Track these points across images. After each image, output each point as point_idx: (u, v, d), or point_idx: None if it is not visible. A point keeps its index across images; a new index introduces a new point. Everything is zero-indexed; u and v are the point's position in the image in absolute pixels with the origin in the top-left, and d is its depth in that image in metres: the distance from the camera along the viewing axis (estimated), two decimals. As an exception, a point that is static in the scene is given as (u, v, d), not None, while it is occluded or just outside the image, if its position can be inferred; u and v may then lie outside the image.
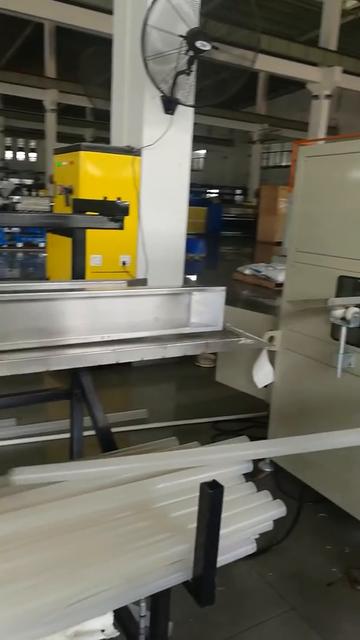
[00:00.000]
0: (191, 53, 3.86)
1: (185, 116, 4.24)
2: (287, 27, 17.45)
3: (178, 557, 1.25)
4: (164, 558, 1.23)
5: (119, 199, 1.64)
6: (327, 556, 2.21)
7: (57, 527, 1.23)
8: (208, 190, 24.86)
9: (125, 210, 1.62)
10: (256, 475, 2.66)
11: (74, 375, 1.91)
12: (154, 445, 1.70)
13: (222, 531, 1.21)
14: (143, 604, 1.48)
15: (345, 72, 13.82)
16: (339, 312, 2.17)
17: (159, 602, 1.38)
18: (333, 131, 21.06)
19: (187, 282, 4.93)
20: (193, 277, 9.67)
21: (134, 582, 1.17)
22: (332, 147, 2.61)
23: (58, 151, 4.62)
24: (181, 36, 3.82)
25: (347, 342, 2.20)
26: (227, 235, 19.16)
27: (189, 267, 4.75)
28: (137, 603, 1.40)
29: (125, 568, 1.18)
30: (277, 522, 1.49)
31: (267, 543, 2.19)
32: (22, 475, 1.15)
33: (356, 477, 2.21)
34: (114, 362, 1.46)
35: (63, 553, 1.16)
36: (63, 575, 1.11)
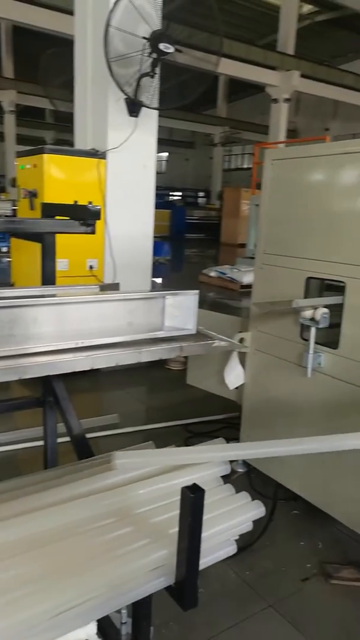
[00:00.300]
0: (155, 55, 3.86)
1: (150, 118, 4.24)
2: (246, 31, 17.72)
3: (160, 562, 1.25)
4: (146, 564, 1.23)
5: (90, 203, 1.62)
6: (301, 552, 2.25)
7: (38, 538, 1.21)
8: (171, 193, 24.90)
9: (96, 215, 1.61)
10: (230, 476, 2.67)
11: (46, 382, 1.87)
12: (130, 450, 1.69)
13: (203, 534, 1.22)
14: (124, 611, 1.47)
15: (303, 76, 14.11)
16: (308, 313, 2.22)
17: (141, 608, 1.37)
18: (292, 134, 21.51)
19: (153, 285, 4.92)
20: (159, 280, 9.67)
21: (117, 590, 1.16)
22: (298, 150, 2.66)
23: (21, 154, 4.54)
24: (144, 38, 3.82)
25: (316, 342, 2.25)
26: (191, 238, 19.26)
27: (155, 270, 4.74)
28: (118, 610, 1.39)
29: (108, 576, 1.17)
30: (254, 521, 1.51)
31: (244, 542, 2.21)
32: (122, 459, 1.20)
33: (327, 475, 2.26)
34: (88, 368, 1.44)
35: (46, 564, 1.14)
36: (46, 587, 1.09)
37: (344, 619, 1.92)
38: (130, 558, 1.23)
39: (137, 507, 1.37)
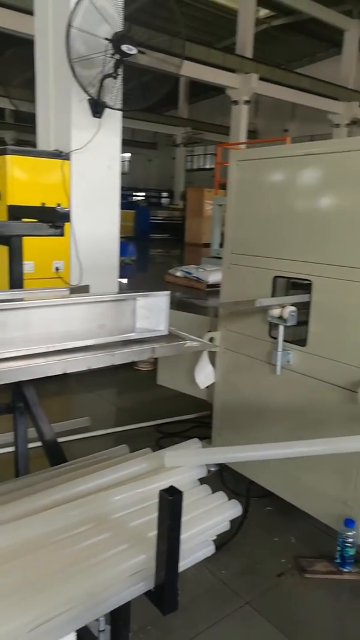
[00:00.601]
0: (117, 57, 3.84)
1: (114, 119, 4.21)
2: (205, 34, 17.87)
3: (139, 567, 1.23)
4: (125, 570, 1.22)
5: (58, 205, 1.59)
6: (276, 548, 2.27)
7: (13, 549, 1.18)
8: (134, 194, 24.82)
9: (66, 217, 1.58)
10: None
11: (15, 388, 1.83)
12: (104, 455, 1.67)
13: (182, 536, 1.22)
14: (102, 619, 1.45)
15: (261, 79, 14.33)
16: (276, 312, 2.25)
17: (119, 615, 1.36)
18: (253, 135, 21.80)
19: (120, 287, 4.89)
20: (124, 281, 9.61)
21: (96, 599, 1.14)
22: (262, 151, 2.70)
23: (-19, 155, 4.41)
24: (107, 39, 3.79)
25: (285, 340, 2.29)
26: (155, 238, 19.25)
27: (121, 271, 4.71)
28: (97, 618, 1.37)
29: (86, 585, 1.15)
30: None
31: (219, 541, 2.21)
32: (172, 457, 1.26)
33: (297, 470, 2.30)
34: (61, 372, 1.42)
35: (22, 576, 1.11)
36: (23, 599, 1.06)
37: (319, 612, 1.95)
38: (108, 565, 1.21)
39: (114, 512, 1.35)
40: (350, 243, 2.04)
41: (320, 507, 2.23)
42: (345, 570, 2.08)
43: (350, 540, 2.06)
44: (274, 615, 1.90)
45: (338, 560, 2.09)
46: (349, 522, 2.05)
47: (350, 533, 2.05)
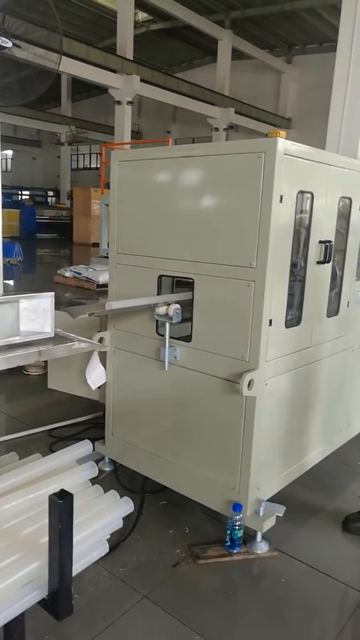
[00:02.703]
0: (-10, 48, 3.66)
1: (-11, 114, 4.00)
2: (86, 32, 17.67)
3: (32, 575, 1.21)
4: (18, 580, 1.19)
5: None
6: (171, 540, 2.34)
7: None
8: (19, 193, 23.75)
9: None
10: (98, 476, 2.67)
11: None
12: (-9, 465, 1.60)
13: (75, 538, 1.21)
14: (-5, 635, 1.39)
15: (142, 81, 14.51)
16: (161, 310, 2.31)
17: (14, 628, 1.31)
18: (136, 135, 21.98)
19: (5, 289, 4.67)
20: (10, 282, 9.18)
21: (-15, 614, 1.10)
22: (143, 152, 2.75)
23: None
24: (-22, 29, 3.59)
25: (171, 337, 2.36)
26: (42, 238, 18.60)
27: (6, 272, 4.50)
28: (-12, 635, 1.31)
29: (-26, 601, 1.10)
30: (124, 517, 1.53)
31: (116, 540, 2.23)
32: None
33: (188, 463, 2.39)
34: None
35: None
36: None
37: (212, 593, 2.05)
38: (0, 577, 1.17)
39: (5, 522, 1.31)
40: (226, 242, 2.16)
41: (211, 496, 2.33)
42: (235, 551, 2.21)
43: (238, 523, 2.18)
44: (170, 604, 1.95)
45: (228, 543, 2.21)
46: (237, 507, 2.18)
47: (238, 517, 2.18)
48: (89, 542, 1.37)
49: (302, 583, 2.12)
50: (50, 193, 25.67)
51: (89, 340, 1.74)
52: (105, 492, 1.57)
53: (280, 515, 2.34)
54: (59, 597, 1.21)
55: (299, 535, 2.42)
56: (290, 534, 2.41)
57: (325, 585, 2.12)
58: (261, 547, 2.25)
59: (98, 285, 8.25)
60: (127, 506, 1.49)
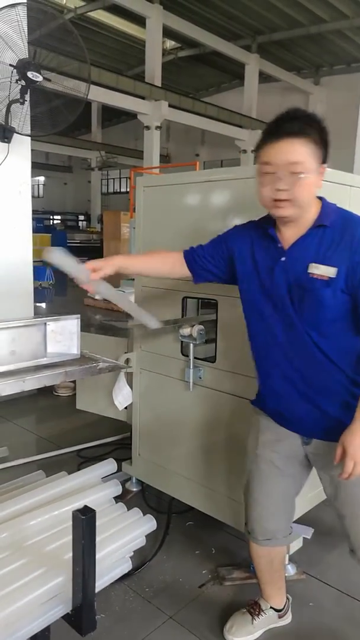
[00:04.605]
0: (23, 83, 3.85)
1: (23, 143, 4.19)
2: (115, 62, 18.30)
3: (57, 590, 1.24)
4: (42, 595, 1.22)
5: None
6: (197, 560, 2.33)
7: None
8: (50, 217, 24.46)
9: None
10: (125, 497, 2.70)
11: None
12: (19, 482, 1.66)
13: (98, 555, 1.24)
14: (21, 650, 1.42)
15: (171, 106, 14.88)
16: (186, 331, 2.35)
17: (38, 642, 1.34)
18: (165, 159, 22.40)
19: (37, 311, 4.81)
20: (42, 305, 9.42)
21: (11, 629, 1.14)
22: (167, 178, 2.84)
23: None
24: (12, 65, 3.79)
25: (196, 358, 2.39)
26: (73, 261, 19.02)
27: (38, 295, 4.64)
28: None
29: (1, 615, 1.14)
30: (150, 537, 1.55)
31: (142, 560, 2.24)
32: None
33: (213, 483, 2.39)
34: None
35: None
36: None
37: (239, 617, 2.03)
38: (24, 591, 1.21)
39: (30, 537, 1.35)
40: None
41: (238, 517, 2.32)
42: (262, 573, 2.18)
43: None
44: (196, 625, 1.94)
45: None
46: (263, 527, 2.15)
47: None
48: (112, 559, 1.39)
49: (332, 608, 2.08)
50: (81, 217, 26.33)
51: (113, 360, 1.79)
52: (129, 510, 1.59)
53: (308, 537, 2.31)
54: (82, 612, 1.23)
55: (328, 559, 2.38)
56: (319, 557, 2.37)
57: (355, 611, 2.07)
58: (288, 570, 2.22)
59: (127, 307, 8.36)
60: (149, 523, 1.52)
